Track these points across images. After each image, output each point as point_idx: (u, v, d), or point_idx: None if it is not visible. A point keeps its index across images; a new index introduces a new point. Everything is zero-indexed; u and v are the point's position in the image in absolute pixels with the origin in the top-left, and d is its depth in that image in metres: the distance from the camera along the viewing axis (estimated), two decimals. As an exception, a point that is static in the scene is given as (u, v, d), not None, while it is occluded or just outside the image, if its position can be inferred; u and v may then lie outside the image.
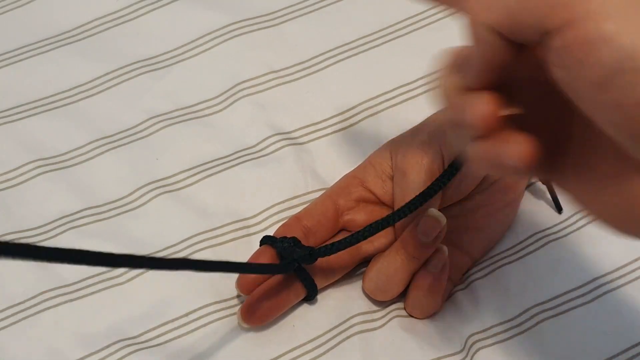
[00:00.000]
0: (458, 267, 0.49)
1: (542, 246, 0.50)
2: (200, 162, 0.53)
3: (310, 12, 0.60)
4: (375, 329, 0.48)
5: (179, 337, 0.47)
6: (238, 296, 0.48)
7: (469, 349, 0.47)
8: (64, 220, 0.50)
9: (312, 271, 0.47)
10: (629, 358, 0.47)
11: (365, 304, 0.49)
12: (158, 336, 0.47)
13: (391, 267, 0.46)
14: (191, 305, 0.48)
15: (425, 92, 0.56)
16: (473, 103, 0.32)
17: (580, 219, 0.51)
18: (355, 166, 0.51)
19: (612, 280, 0.49)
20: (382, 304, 0.49)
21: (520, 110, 0.34)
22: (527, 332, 0.48)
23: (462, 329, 0.48)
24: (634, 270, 0.50)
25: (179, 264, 0.43)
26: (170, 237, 0.50)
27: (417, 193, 0.45)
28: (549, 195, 0.52)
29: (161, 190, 0.52)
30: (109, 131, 0.54)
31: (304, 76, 0.57)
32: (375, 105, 0.56)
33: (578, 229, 0.51)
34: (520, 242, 0.51)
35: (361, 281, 0.49)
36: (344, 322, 0.48)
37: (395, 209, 0.46)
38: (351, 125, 0.55)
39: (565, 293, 0.49)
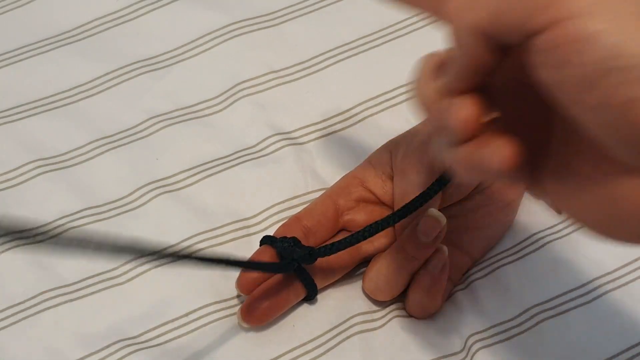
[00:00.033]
0: (458, 267, 0.49)
1: (542, 246, 0.50)
2: (200, 162, 0.53)
3: (310, 12, 0.60)
4: (375, 329, 0.48)
5: (179, 337, 0.47)
6: (238, 296, 0.48)
7: (469, 349, 0.47)
8: (64, 220, 0.50)
9: (312, 271, 0.47)
10: (629, 358, 0.47)
11: (365, 304, 0.49)
12: (158, 336, 0.47)
13: (391, 267, 0.46)
14: (191, 305, 0.48)
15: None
16: (454, 107, 0.31)
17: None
18: (355, 166, 0.51)
19: (611, 280, 0.49)
20: (382, 304, 0.49)
21: (499, 114, 0.33)
22: (527, 332, 0.48)
23: (462, 329, 0.48)
24: (633, 271, 0.50)
25: (179, 256, 0.43)
26: (170, 237, 0.50)
27: (417, 193, 0.45)
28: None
29: (161, 190, 0.52)
30: (109, 131, 0.54)
31: (304, 76, 0.57)
32: (375, 105, 0.56)
33: (578, 229, 0.51)
34: (520, 242, 0.51)
35: (361, 281, 0.49)
36: (344, 322, 0.48)
37: (395, 209, 0.46)
38: (351, 125, 0.55)
39: (565, 293, 0.49)
